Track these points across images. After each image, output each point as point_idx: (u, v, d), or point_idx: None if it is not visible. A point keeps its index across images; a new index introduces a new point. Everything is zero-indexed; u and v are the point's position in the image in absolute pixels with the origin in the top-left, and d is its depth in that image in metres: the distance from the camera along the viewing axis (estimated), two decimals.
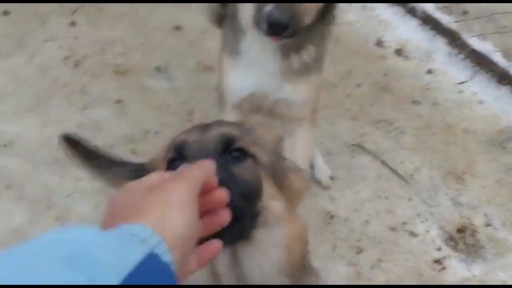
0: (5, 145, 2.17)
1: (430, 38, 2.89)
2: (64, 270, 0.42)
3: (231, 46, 1.61)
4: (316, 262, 1.95)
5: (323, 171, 2.25)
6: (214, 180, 0.65)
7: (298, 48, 1.56)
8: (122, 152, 2.20)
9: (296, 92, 1.62)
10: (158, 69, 2.59)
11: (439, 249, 2.02)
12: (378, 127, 2.49)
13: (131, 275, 0.45)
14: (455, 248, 2.03)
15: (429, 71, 2.76)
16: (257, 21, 1.38)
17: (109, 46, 2.70)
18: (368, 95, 2.64)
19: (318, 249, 2.00)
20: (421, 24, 2.96)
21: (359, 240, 2.06)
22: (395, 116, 2.53)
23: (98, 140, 2.24)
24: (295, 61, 1.57)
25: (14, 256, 0.44)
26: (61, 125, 2.30)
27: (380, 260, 1.97)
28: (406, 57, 2.83)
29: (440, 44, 2.85)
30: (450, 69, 2.76)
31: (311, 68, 1.61)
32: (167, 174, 0.64)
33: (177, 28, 2.84)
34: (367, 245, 2.04)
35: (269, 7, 1.32)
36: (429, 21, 2.94)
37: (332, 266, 1.97)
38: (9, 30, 2.68)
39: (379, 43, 2.91)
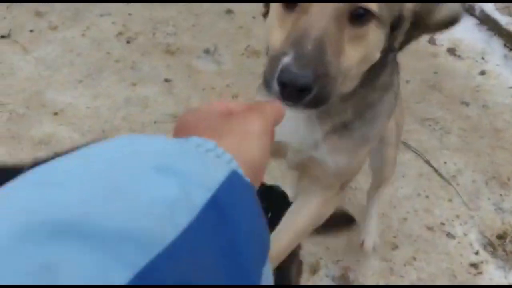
0: (55, 113, 2.25)
1: (486, 38, 2.80)
2: (158, 176, 0.38)
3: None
4: (349, 255, 1.97)
5: (371, 234, 1.96)
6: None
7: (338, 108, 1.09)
8: (165, 129, 2.26)
9: (332, 157, 1.15)
10: (206, 51, 2.62)
11: (476, 253, 1.98)
12: (424, 125, 2.44)
13: (219, 190, 0.41)
14: (493, 254, 1.98)
15: (482, 73, 2.68)
16: (266, 77, 0.89)
17: (161, 26, 2.75)
18: (415, 92, 2.59)
19: (352, 243, 1.99)
20: (478, 24, 2.87)
21: (395, 237, 2.04)
22: (442, 115, 2.47)
23: (144, 116, 2.31)
24: (337, 119, 1.11)
25: (98, 160, 0.40)
26: (110, 98, 2.37)
27: (414, 258, 1.95)
28: (458, 57, 2.76)
29: (496, 46, 2.76)
30: (505, 72, 2.68)
31: (355, 133, 1.14)
32: (239, 104, 0.60)
33: (229, 11, 2.86)
34: (402, 242, 2.01)
35: (287, 58, 0.85)
36: (487, 21, 2.85)
37: (364, 260, 1.96)
38: (66, 3, 2.76)
39: (432, 41, 2.84)
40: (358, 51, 0.93)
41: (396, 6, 0.95)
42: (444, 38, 2.85)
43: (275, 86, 0.84)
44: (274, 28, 0.93)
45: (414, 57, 2.76)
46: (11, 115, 2.22)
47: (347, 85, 0.97)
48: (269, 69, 0.86)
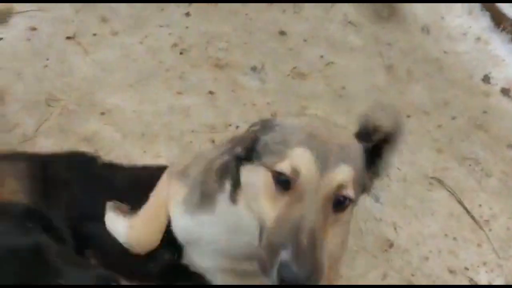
0: (102, 113, 2.40)
1: None
2: None
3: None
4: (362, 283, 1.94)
5: None
6: None
7: None
8: (202, 139, 2.34)
9: None
10: (253, 68, 2.69)
11: None
12: (463, 164, 2.37)
13: None
14: None
15: None
16: (264, 263, 1.00)
17: (215, 40, 2.85)
18: (460, 130, 2.52)
19: (368, 273, 1.97)
20: None
21: (413, 275, 1.99)
22: (484, 156, 2.39)
23: (184, 124, 2.40)
24: None
25: None
26: (155, 104, 2.49)
27: None
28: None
29: None
30: None
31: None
32: None
33: (282, 33, 2.92)
34: (420, 282, 1.96)
35: (286, 254, 0.95)
36: None
37: None
38: (130, 11, 2.93)
39: (486, 79, 2.75)
40: (339, 236, 1.10)
41: (361, 180, 1.09)
42: (500, 77, 2.76)
43: (274, 276, 0.97)
44: (267, 204, 1.05)
45: (465, 94, 2.69)
46: (63, 111, 2.39)
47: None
48: (268, 256, 0.99)
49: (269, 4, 3.04)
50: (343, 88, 2.69)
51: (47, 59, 2.60)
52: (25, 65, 2.54)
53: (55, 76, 2.55)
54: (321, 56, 2.83)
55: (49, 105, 2.40)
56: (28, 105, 2.38)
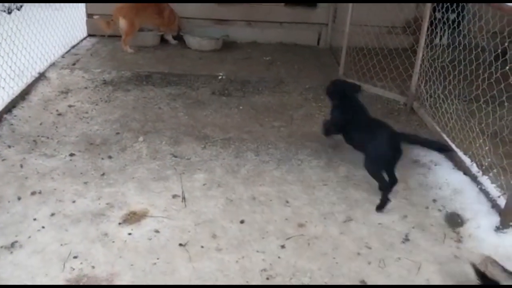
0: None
1: None
2: None
3: None
4: None
5: None
6: None
7: None
8: None
9: None
10: None
11: None
12: None
13: None
14: None
15: None
16: None
17: (299, 274, 3.18)
18: None
19: None
20: None
21: None
22: None
23: None
24: None
25: None
26: None
27: None
28: None
29: None
30: None
31: None
32: None
33: (362, 282, 3.16)
34: None
35: None
36: None
37: None
38: (237, 233, 3.46)
39: None
40: None
41: None
42: None
43: None
44: None
45: None
46: None
47: None
48: None
49: (357, 254, 3.36)
50: None
51: (157, 258, 3.15)
52: (138, 260, 3.11)
53: (158, 274, 3.05)
54: None
55: None
56: None
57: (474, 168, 4.26)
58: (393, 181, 4.01)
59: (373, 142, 4.04)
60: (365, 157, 4.09)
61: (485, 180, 4.08)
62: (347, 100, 4.50)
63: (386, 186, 3.93)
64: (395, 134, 4.07)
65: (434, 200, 4.05)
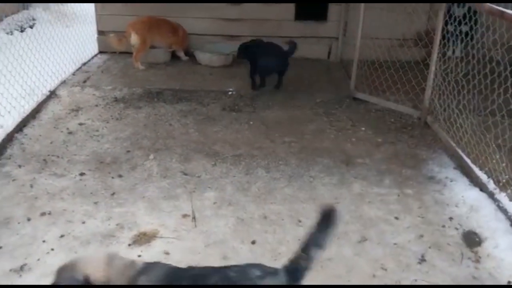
0: None
1: None
2: None
3: None
4: None
5: None
6: None
7: None
8: None
9: None
10: None
11: None
12: None
13: None
14: None
15: None
16: None
17: None
18: None
19: None
20: None
21: None
22: None
23: None
24: None
25: None
26: None
27: None
28: None
29: None
30: None
31: None
32: None
33: None
34: None
35: None
36: None
37: None
38: None
39: None
40: None
41: None
42: None
43: None
44: None
45: None
46: None
47: None
48: None
49: (372, 276, 3.27)
50: None
51: None
52: None
53: None
54: None
55: None
56: None
57: (491, 185, 4.15)
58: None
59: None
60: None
61: (503, 197, 3.97)
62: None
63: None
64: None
65: (451, 218, 3.94)
